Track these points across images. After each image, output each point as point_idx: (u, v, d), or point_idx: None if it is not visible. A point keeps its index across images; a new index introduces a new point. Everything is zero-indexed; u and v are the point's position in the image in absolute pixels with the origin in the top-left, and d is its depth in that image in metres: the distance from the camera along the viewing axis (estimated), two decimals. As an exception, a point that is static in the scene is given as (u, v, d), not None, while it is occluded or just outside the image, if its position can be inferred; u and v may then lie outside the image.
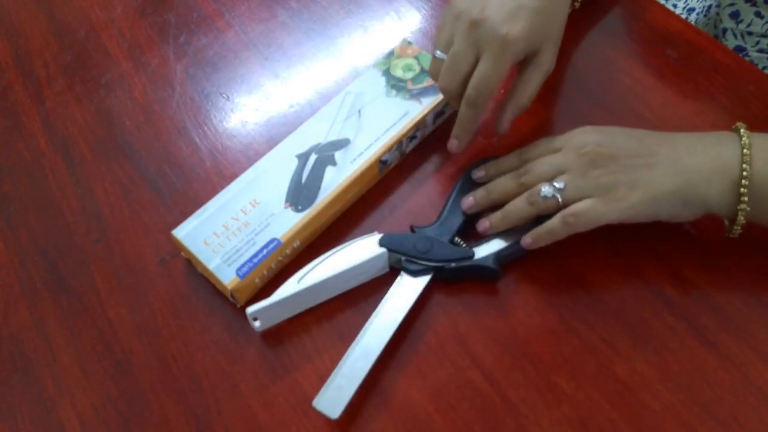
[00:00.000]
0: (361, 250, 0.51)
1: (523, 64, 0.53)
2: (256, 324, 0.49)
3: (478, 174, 0.54)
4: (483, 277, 0.51)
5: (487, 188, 0.52)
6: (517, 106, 0.53)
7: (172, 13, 0.72)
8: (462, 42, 0.51)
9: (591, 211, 0.47)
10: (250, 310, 0.48)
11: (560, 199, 0.48)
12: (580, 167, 0.48)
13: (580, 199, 0.47)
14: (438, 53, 0.53)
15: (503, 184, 0.52)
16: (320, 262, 0.51)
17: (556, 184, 0.48)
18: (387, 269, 0.52)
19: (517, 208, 0.50)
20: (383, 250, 0.51)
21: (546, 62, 0.52)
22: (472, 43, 0.50)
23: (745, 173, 0.46)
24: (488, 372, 0.48)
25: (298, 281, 0.50)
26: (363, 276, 0.52)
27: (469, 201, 0.52)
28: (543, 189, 0.48)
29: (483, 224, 0.52)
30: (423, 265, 0.51)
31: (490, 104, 0.57)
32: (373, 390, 0.47)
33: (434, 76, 0.55)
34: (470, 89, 0.51)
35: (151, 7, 0.72)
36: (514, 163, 0.53)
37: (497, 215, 0.51)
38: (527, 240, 0.49)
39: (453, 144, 0.54)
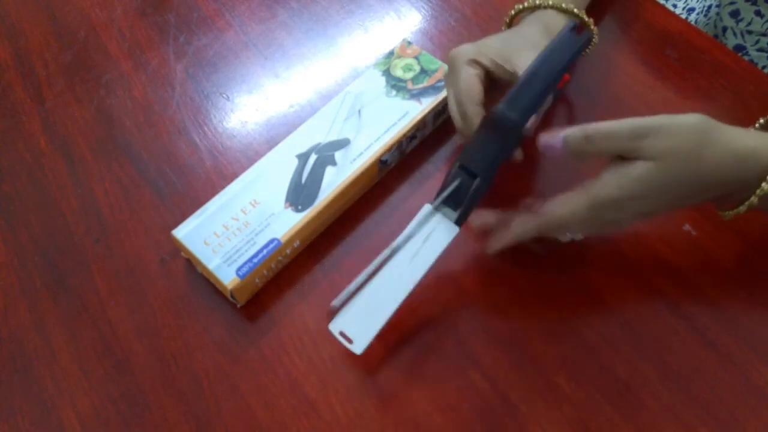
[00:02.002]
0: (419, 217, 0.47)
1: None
2: (354, 347, 0.45)
3: None
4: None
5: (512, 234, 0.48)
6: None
7: (172, 13, 0.72)
8: None
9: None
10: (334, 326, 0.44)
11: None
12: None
13: None
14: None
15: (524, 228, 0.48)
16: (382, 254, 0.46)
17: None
18: (457, 230, 0.48)
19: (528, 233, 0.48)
20: (430, 206, 0.48)
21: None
22: None
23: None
24: (488, 372, 0.48)
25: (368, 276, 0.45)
26: (435, 248, 0.47)
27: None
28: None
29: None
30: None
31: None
32: (372, 389, 0.47)
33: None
34: None
35: (151, 7, 0.72)
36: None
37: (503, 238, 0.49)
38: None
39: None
